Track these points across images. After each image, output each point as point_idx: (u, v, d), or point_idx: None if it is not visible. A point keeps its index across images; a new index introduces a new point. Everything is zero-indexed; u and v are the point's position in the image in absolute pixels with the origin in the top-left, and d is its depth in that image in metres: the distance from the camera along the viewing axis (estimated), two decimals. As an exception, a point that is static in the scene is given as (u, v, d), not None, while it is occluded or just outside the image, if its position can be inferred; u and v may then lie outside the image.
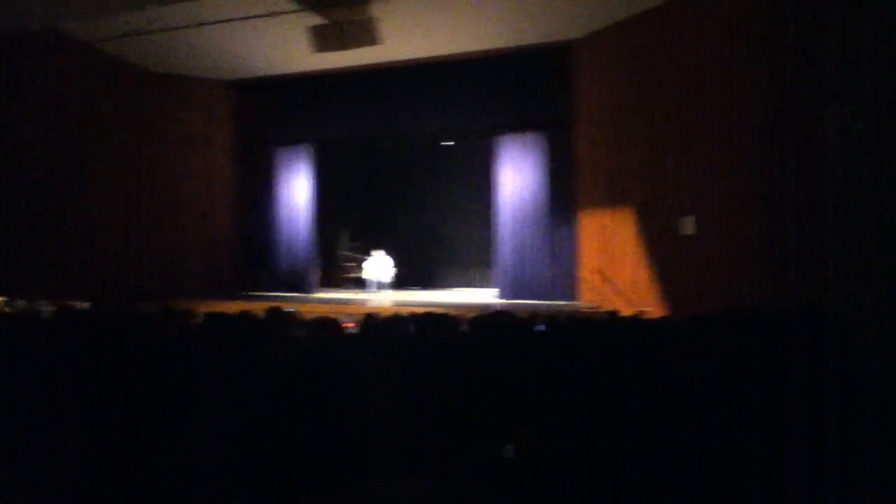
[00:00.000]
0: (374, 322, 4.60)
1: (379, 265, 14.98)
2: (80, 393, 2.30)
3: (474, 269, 18.21)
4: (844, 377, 2.03)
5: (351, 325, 5.21)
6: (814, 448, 1.93)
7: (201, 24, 11.04)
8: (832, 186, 7.42)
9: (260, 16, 10.74)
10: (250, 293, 15.08)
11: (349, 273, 17.22)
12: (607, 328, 3.70)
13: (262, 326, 3.81)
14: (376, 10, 10.40)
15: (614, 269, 11.93)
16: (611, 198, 12.12)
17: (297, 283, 15.37)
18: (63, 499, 2.04)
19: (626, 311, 10.00)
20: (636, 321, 4.28)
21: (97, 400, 2.29)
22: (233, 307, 5.91)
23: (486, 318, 4.80)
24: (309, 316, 5.34)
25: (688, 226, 10.26)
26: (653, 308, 10.84)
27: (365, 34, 10.42)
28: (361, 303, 13.57)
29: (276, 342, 3.11)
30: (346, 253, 18.09)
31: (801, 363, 2.18)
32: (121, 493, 2.06)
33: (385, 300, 14.09)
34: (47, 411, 2.22)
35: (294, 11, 10.55)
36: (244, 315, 3.25)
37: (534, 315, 5.44)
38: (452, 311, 6.86)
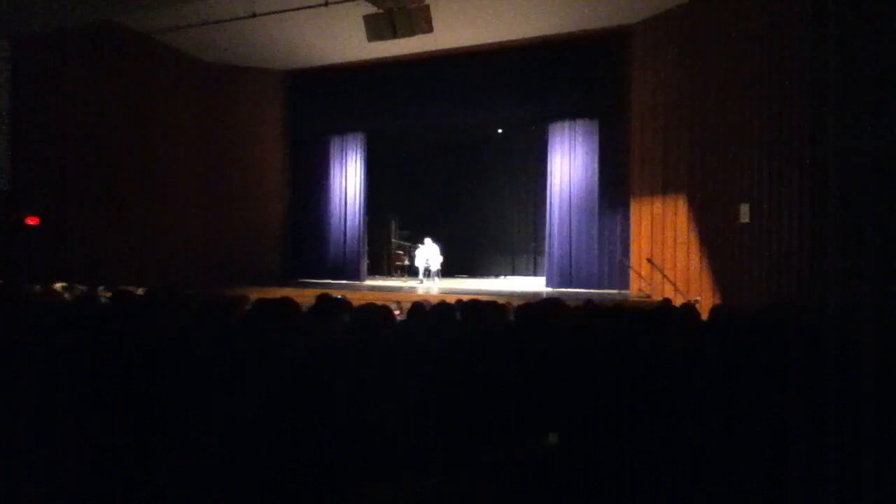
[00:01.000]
0: (420, 311, 4.63)
1: (428, 253, 15.06)
2: (128, 377, 2.36)
3: (524, 257, 18.19)
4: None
5: (398, 312, 5.26)
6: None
7: (256, 15, 11.18)
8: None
9: (313, 6, 10.83)
10: (301, 280, 15.32)
11: (398, 261, 17.34)
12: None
13: (310, 313, 3.87)
14: (429, -1, 10.42)
15: (666, 258, 11.77)
16: (663, 185, 11.92)
17: (348, 270, 15.52)
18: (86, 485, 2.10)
19: (677, 300, 9.90)
20: (681, 311, 4.20)
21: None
22: (282, 293, 6.00)
23: (533, 306, 4.78)
24: (357, 303, 5.40)
25: (744, 213, 10.07)
26: (704, 297, 10.69)
27: (418, 22, 10.41)
28: (410, 290, 13.67)
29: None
30: (395, 241, 18.21)
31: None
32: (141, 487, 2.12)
33: (433, 288, 14.17)
34: (95, 394, 2.28)
35: (347, 1, 10.62)
36: (287, 302, 3.29)
37: (588, 303, 5.40)
38: (500, 300, 6.87)
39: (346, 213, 15.79)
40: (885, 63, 7.19)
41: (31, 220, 11.02)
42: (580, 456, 2.21)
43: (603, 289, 12.84)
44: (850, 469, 1.83)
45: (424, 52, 13.88)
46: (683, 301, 10.22)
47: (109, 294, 5.42)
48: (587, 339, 3.07)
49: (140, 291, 5.77)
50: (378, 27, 10.62)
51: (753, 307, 4.18)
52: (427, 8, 10.35)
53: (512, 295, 11.42)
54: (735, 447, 2.10)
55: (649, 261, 11.90)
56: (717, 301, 10.43)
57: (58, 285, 6.51)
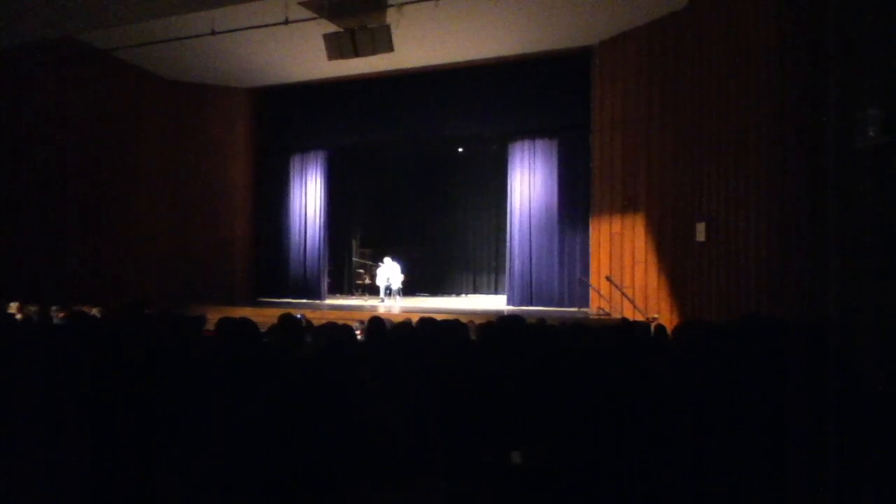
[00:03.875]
0: (379, 326, 4.61)
1: (389, 271, 15.01)
2: (90, 398, 2.31)
3: (485, 275, 18.26)
4: (845, 384, 2.03)
5: (360, 332, 5.23)
6: (814, 455, 1.93)
7: (215, 33, 11.10)
8: (834, 192, 7.38)
9: (275, 24, 10.79)
10: (262, 299, 15.17)
11: (360, 279, 17.27)
12: (612, 336, 3.70)
13: (272, 333, 3.83)
14: (390, 18, 10.45)
15: (625, 276, 11.90)
16: (623, 204, 12.09)
17: (309, 289, 15.40)
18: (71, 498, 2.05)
19: (636, 318, 10.00)
20: (641, 328, 4.27)
21: (107, 406, 2.30)
22: (242, 313, 5.93)
23: (494, 324, 4.80)
24: (318, 322, 5.35)
25: (699, 232, 10.22)
26: (662, 314, 10.83)
27: (379, 41, 10.45)
28: (372, 309, 13.59)
29: (285, 349, 3.12)
30: (356, 259, 18.14)
31: (803, 372, 2.18)
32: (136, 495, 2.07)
33: (395, 306, 14.12)
34: (59, 416, 2.23)
35: (309, 19, 10.61)
36: (247, 322, 3.26)
37: (540, 321, 5.44)
38: (462, 318, 6.87)
39: (306, 232, 15.68)
40: (849, 80, 7.38)
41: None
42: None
43: (563, 307, 12.93)
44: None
45: (386, 71, 13.94)
46: (643, 319, 10.36)
47: (63, 314, 5.30)
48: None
49: (95, 311, 5.66)
50: (339, 46, 10.62)
51: (716, 324, 4.23)
52: (388, 27, 10.39)
53: (473, 313, 11.42)
54: (708, 456, 2.12)
55: (608, 279, 12.02)
56: (676, 319, 10.57)
57: (12, 305, 6.35)
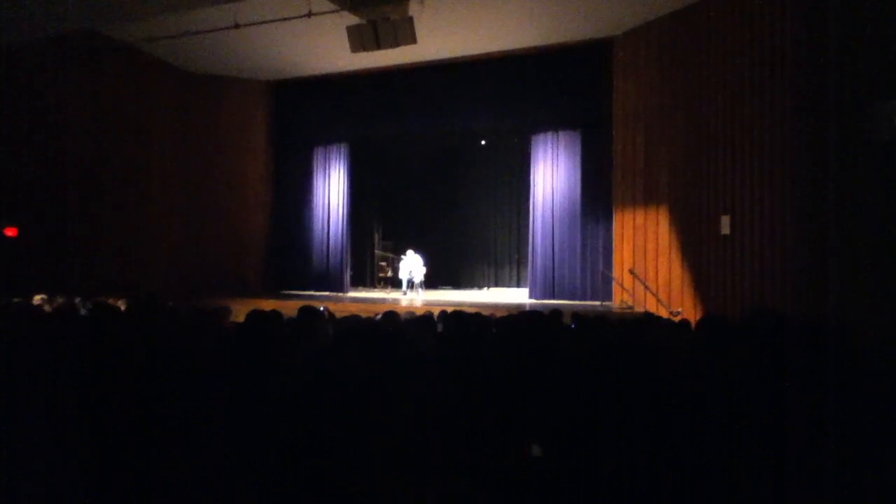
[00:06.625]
0: (395, 319, 4.61)
1: (411, 264, 15.04)
2: (115, 388, 2.34)
3: (507, 268, 18.21)
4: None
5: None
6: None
7: (238, 26, 11.15)
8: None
9: (297, 17, 10.82)
10: (284, 291, 15.25)
11: (382, 272, 17.31)
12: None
13: (294, 325, 3.85)
14: (413, 9, 10.43)
15: (648, 269, 11.81)
16: (645, 196, 11.99)
17: (331, 281, 15.47)
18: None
19: (659, 312, 9.93)
20: (645, 323, 4.23)
21: (131, 397, 2.33)
22: (265, 305, 5.95)
23: (515, 318, 4.79)
24: (341, 314, 5.37)
25: (724, 225, 10.11)
26: (686, 308, 10.74)
27: (401, 33, 10.43)
28: (394, 302, 13.64)
29: (303, 341, 3.13)
30: (378, 252, 18.18)
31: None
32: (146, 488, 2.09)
33: (417, 299, 14.14)
34: (80, 407, 2.26)
35: (331, 12, 10.62)
36: (260, 313, 3.27)
37: (554, 313, 5.39)
38: (484, 311, 6.87)
39: (328, 224, 15.74)
40: (867, 73, 7.29)
41: (10, 232, 10.89)
42: (584, 461, 2.20)
43: (586, 300, 12.87)
44: (849, 473, 1.84)
45: (408, 63, 13.92)
46: (667, 313, 10.29)
47: (89, 306, 5.37)
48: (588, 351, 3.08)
49: (121, 303, 5.72)
50: (361, 38, 10.62)
51: (738, 317, 4.18)
52: (411, 19, 10.37)
53: (496, 307, 11.40)
54: (733, 451, 2.10)
55: (631, 272, 11.94)
56: (699, 313, 10.48)
57: (37, 297, 6.43)
